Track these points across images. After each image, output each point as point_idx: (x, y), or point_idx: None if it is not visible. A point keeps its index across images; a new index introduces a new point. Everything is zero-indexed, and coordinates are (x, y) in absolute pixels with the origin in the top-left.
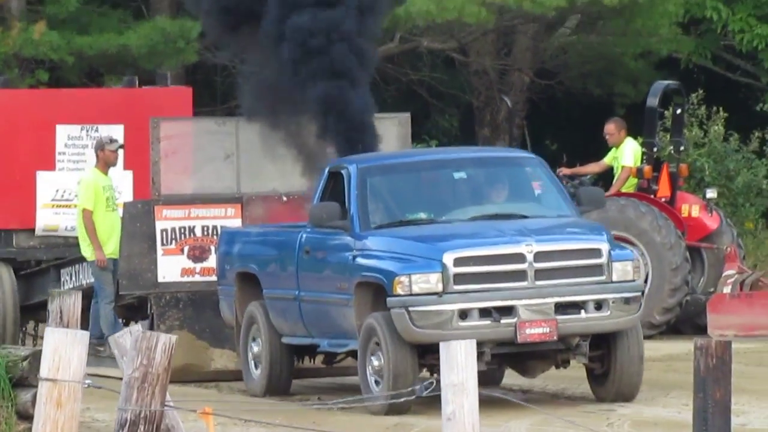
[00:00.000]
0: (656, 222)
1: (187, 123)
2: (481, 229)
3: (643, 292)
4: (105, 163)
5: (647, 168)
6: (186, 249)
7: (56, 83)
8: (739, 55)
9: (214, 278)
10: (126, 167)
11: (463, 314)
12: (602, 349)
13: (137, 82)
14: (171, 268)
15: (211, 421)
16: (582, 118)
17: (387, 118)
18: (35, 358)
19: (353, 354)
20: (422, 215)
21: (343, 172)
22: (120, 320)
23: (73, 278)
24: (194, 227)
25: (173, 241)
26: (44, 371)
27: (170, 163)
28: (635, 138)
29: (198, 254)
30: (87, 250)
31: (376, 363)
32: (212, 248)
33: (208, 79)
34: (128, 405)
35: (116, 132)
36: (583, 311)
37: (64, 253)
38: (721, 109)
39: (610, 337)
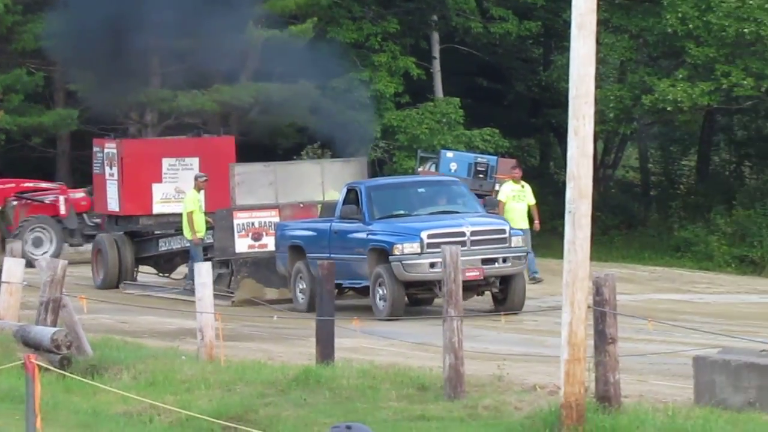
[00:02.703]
0: None
1: (249, 165)
2: (439, 219)
3: (527, 252)
4: (198, 187)
5: None
6: (250, 234)
7: (8, 142)
8: (338, 125)
9: (267, 250)
10: None
11: (432, 265)
12: (503, 284)
13: (202, 133)
14: (242, 244)
15: (84, 301)
16: (264, 156)
17: (351, 161)
18: None
19: (365, 288)
20: (402, 211)
21: (356, 188)
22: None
23: (167, 245)
24: (254, 222)
25: (243, 230)
26: (3, 277)
27: (240, 188)
28: None
29: (256, 237)
30: (188, 234)
31: (381, 292)
32: (264, 233)
33: (84, 138)
34: (44, 294)
35: (194, 162)
36: (496, 263)
37: (166, 228)
38: (329, 150)
39: (509, 278)
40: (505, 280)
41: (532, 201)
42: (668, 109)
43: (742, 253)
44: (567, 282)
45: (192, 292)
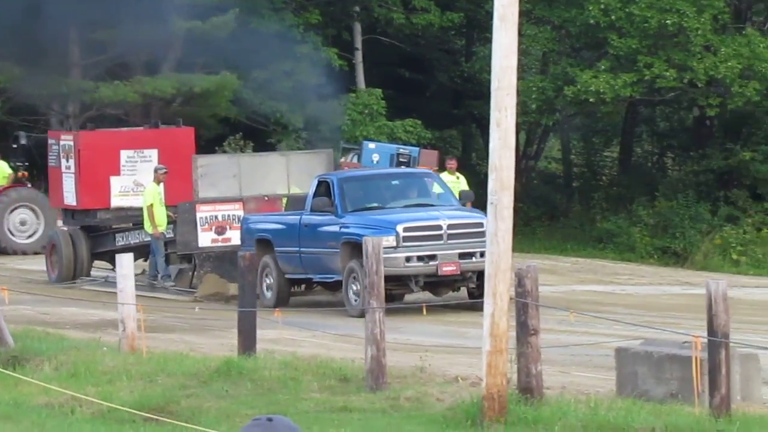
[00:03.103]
0: None
1: (212, 157)
2: (414, 211)
3: None
4: (158, 180)
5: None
6: (213, 228)
7: None
8: (260, 115)
9: (230, 244)
10: None
11: (408, 259)
12: (480, 280)
13: (159, 124)
14: (205, 238)
15: (5, 292)
16: None
17: (319, 153)
18: None
19: (336, 284)
20: (375, 204)
21: (328, 180)
22: (168, 266)
23: (124, 239)
24: (218, 215)
25: (206, 223)
26: None
27: (204, 180)
28: None
29: (220, 231)
30: (149, 228)
31: (354, 288)
32: (228, 227)
33: (6, 129)
34: None
35: (153, 153)
36: (474, 258)
37: (125, 221)
38: (251, 141)
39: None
40: (483, 275)
41: None
42: (590, 100)
43: (665, 244)
44: (489, 273)
45: (156, 287)
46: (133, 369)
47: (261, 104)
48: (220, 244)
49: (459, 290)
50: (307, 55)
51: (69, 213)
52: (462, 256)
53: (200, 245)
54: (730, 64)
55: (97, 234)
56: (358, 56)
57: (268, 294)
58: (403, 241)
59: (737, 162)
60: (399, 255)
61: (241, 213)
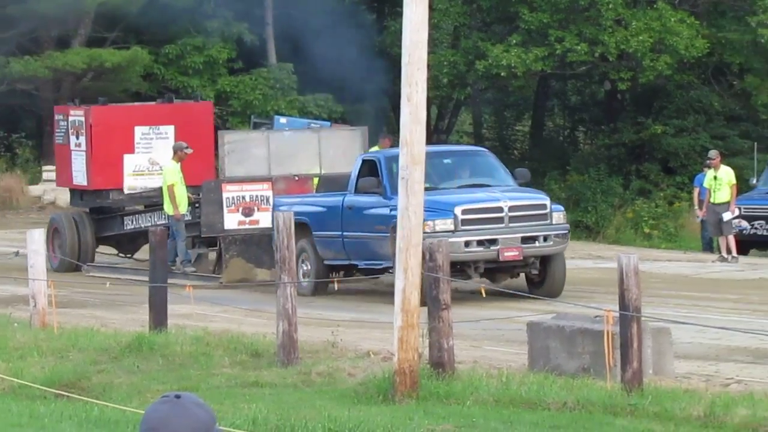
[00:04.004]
0: None
1: (239, 133)
2: (471, 192)
3: (568, 230)
4: (179, 158)
5: None
6: (240, 209)
7: None
8: (171, 91)
9: (258, 226)
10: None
11: (467, 243)
12: (542, 266)
13: (174, 99)
14: (231, 220)
15: None
16: None
17: (353, 130)
18: None
19: (386, 269)
20: (428, 184)
21: (374, 159)
22: (189, 250)
23: (133, 223)
24: (245, 196)
25: (233, 204)
26: None
27: (231, 158)
28: None
29: (247, 212)
30: (169, 209)
31: None
32: (256, 208)
33: None
34: None
35: (170, 130)
36: (537, 242)
37: (138, 203)
38: None
39: (549, 258)
40: (544, 261)
41: None
42: (502, 74)
43: (577, 218)
44: (400, 248)
45: (175, 273)
46: (44, 345)
47: (172, 79)
48: (247, 226)
49: (518, 276)
50: (218, 30)
51: (77, 193)
52: (524, 240)
53: (226, 227)
54: (641, 38)
55: (103, 217)
56: (269, 31)
57: (305, 282)
58: (462, 225)
59: (649, 136)
60: (458, 239)
61: (269, 193)
